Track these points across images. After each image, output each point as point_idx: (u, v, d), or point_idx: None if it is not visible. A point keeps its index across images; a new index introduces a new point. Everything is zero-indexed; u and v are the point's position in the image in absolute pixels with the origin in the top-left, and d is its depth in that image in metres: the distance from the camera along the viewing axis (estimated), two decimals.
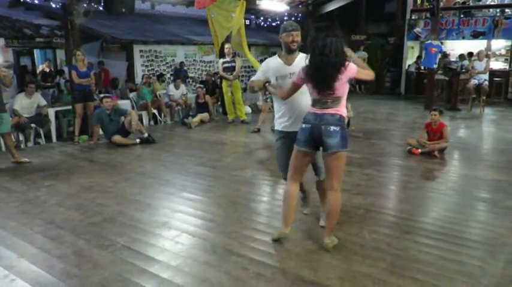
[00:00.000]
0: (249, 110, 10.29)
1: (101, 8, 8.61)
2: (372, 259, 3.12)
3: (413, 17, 14.09)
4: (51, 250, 3.35)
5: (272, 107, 8.22)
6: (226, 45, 9.18)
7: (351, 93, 15.26)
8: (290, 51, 3.50)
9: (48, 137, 7.64)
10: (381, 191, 4.88)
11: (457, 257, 3.16)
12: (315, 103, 3.16)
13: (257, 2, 11.19)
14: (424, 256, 3.18)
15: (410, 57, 14.63)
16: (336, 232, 3.60)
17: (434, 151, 6.19)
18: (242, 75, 12.72)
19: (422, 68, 13.41)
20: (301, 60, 3.33)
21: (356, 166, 5.72)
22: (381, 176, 5.38)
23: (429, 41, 11.26)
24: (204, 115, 9.33)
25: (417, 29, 13.84)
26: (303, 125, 3.16)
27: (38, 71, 11.87)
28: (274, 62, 3.57)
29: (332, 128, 3.06)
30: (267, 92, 8.22)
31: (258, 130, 8.12)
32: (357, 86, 15.40)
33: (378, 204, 4.34)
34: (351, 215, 4.00)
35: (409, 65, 14.40)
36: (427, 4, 14.05)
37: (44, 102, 7.57)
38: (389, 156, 6.50)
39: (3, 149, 6.54)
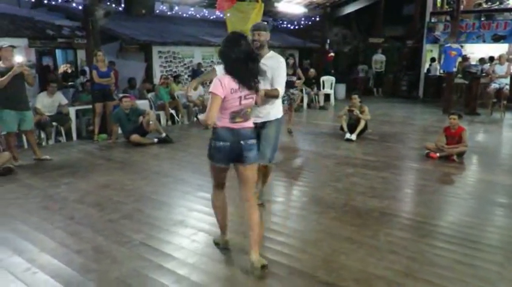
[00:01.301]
0: None
1: (121, 10, 8.75)
2: (388, 262, 3.12)
3: (432, 20, 13.94)
4: (70, 245, 3.43)
5: (289, 109, 8.29)
6: None
7: (367, 96, 15.11)
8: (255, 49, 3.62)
9: (68, 135, 7.80)
10: (397, 194, 4.85)
11: (474, 261, 3.14)
12: (233, 116, 2.93)
13: (275, 4, 11.23)
14: (440, 259, 3.17)
15: (429, 60, 14.49)
16: (352, 233, 3.62)
17: (452, 155, 6.12)
18: None
19: (441, 71, 13.28)
20: (269, 59, 3.64)
21: (372, 169, 5.70)
22: (397, 179, 5.36)
23: (448, 45, 11.13)
24: None
25: (436, 32, 13.69)
26: (221, 143, 2.95)
27: (59, 71, 12.10)
28: None
29: (251, 141, 3.00)
30: (284, 94, 8.29)
31: None
32: (375, 90, 15.33)
33: (394, 207, 4.32)
34: (366, 217, 4.00)
35: (428, 68, 14.24)
36: (446, 7, 13.90)
37: (65, 101, 7.74)
38: (405, 159, 6.45)
39: (26, 146, 6.70)
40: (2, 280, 2.91)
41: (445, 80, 11.80)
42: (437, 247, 3.39)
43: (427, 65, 14.38)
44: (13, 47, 5.78)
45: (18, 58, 6.19)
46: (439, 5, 14.26)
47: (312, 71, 12.50)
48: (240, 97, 2.89)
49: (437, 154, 6.22)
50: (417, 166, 6.04)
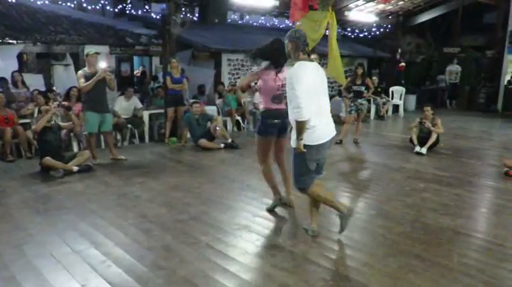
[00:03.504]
0: None
1: (195, 19, 9.12)
2: (462, 285, 2.94)
3: None
4: (142, 242, 3.61)
5: (356, 119, 8.13)
6: (313, 56, 9.18)
7: (440, 108, 14.34)
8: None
9: (141, 137, 8.23)
10: (472, 214, 4.56)
11: None
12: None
13: (345, 13, 11.10)
14: None
15: (511, 72, 13.50)
16: (422, 251, 3.47)
17: None
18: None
19: None
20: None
21: (444, 185, 5.41)
22: (472, 198, 5.04)
23: None
24: None
25: None
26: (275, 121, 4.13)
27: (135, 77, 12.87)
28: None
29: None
30: (352, 104, 8.18)
31: (340, 142, 8.01)
32: (448, 101, 14.56)
33: (469, 227, 4.07)
34: (437, 235, 3.80)
35: (509, 80, 13.27)
36: None
37: (140, 105, 8.20)
38: (482, 177, 6.05)
39: (103, 146, 7.16)
40: (80, 269, 3.13)
41: None
42: None
43: (508, 77, 13.42)
44: (98, 53, 6.24)
45: (102, 64, 6.66)
46: None
47: (374, 78, 12.13)
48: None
49: None
50: (495, 184, 5.64)
